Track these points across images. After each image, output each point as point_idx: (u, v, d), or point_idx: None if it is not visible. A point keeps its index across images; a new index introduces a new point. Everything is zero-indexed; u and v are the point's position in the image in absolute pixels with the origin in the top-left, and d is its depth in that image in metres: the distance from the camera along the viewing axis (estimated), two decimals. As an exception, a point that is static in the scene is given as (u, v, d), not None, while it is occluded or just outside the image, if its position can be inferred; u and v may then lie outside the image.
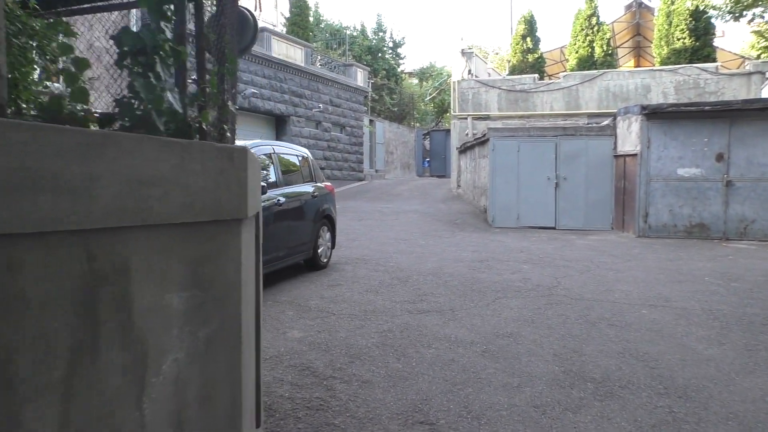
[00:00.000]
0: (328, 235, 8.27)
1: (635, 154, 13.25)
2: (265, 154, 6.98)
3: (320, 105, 22.55)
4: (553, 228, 14.49)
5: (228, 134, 2.86)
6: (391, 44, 35.65)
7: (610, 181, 14.44)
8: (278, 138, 21.32)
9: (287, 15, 26.44)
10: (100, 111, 2.60)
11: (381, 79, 32.58)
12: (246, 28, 3.68)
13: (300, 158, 7.99)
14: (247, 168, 2.30)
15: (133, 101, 2.07)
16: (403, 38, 36.02)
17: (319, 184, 8.24)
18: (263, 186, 6.11)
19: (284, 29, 27.48)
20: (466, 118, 22.63)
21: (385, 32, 35.09)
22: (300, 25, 25.01)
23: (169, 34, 2.25)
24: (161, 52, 2.16)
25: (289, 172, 7.62)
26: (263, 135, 20.59)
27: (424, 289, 7.11)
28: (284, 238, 6.96)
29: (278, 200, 6.81)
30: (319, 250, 7.95)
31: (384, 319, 5.74)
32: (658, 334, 5.42)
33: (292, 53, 21.17)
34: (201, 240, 2.08)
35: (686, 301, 6.71)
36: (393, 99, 33.23)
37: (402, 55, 36.59)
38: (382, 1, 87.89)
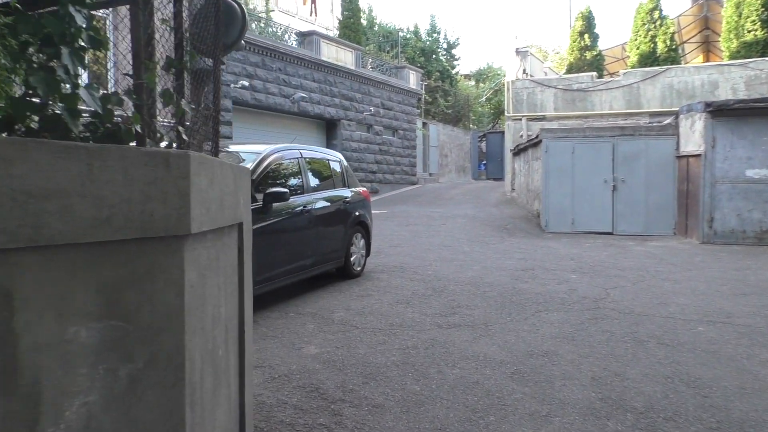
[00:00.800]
0: (362, 243, 7.95)
1: (699, 155, 12.40)
2: (291, 159, 6.73)
3: (371, 108, 22.32)
4: (610, 233, 13.75)
5: (185, 137, 2.56)
6: (445, 45, 35.16)
7: (672, 184, 13.59)
8: (328, 142, 21.21)
9: (339, 18, 26.35)
10: None
11: (435, 81, 32.12)
12: (232, 22, 3.39)
13: (331, 163, 7.71)
14: (189, 176, 1.99)
15: (32, 100, 1.78)
16: (458, 39, 35.48)
17: (352, 190, 7.94)
18: (284, 192, 5.85)
19: (336, 33, 27.44)
20: (520, 119, 21.96)
21: (438, 33, 34.63)
22: (352, 28, 24.86)
23: (82, 21, 1.95)
24: (75, 42, 1.86)
25: (318, 178, 7.35)
26: (313, 139, 20.51)
27: (460, 300, 6.69)
28: (311, 246, 6.68)
29: (303, 207, 6.53)
30: (351, 258, 7.64)
31: (410, 334, 5.36)
32: (715, 356, 4.84)
33: (342, 56, 21.03)
34: (121, 261, 1.78)
35: (751, 318, 6.06)
36: (447, 101, 32.72)
37: (456, 57, 36.04)
38: (437, 2, 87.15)
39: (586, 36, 25.26)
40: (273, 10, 27.78)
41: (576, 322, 5.86)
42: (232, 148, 6.59)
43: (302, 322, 5.70)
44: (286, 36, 19.60)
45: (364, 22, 32.40)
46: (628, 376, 4.41)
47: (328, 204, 7.17)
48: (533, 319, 5.97)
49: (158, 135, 2.32)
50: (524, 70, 23.25)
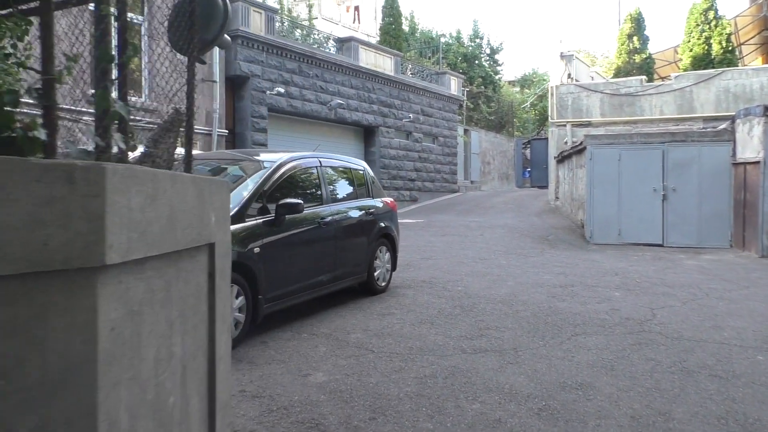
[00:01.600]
0: (387, 256, 7.53)
1: (758, 162, 11.56)
2: (309, 168, 6.37)
3: (410, 115, 21.92)
4: (660, 245, 12.98)
5: (120, 145, 2.19)
6: (488, 51, 34.51)
7: (728, 193, 12.75)
8: (366, 150, 20.90)
9: (380, 24, 26.11)
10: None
11: (477, 86, 31.52)
12: (212, 15, 3.03)
13: (354, 172, 7.32)
14: (104, 193, 1.60)
15: None
16: (501, 44, 34.66)
17: (377, 200, 7.53)
18: (297, 203, 5.48)
19: (377, 39, 27.18)
20: (564, 126, 21.22)
21: (481, 39, 34.02)
22: (392, 34, 24.56)
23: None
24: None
25: (339, 187, 6.97)
26: (350, 147, 20.22)
27: (489, 320, 6.19)
28: (330, 260, 6.29)
29: (321, 218, 6.15)
30: (375, 273, 7.23)
31: (430, 360, 4.91)
32: (777, 394, 4.24)
33: (381, 62, 20.71)
34: (-7, 304, 1.40)
35: (818, 346, 5.39)
36: (490, 107, 32.07)
37: (500, 62, 35.31)
38: (479, 7, 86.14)
39: (635, 38, 24.33)
40: (316, 18, 27.76)
41: (617, 348, 5.31)
42: (250, 155, 6.28)
43: (314, 344, 5.30)
44: (326, 42, 19.39)
45: (406, 28, 32.07)
46: (675, 415, 3.87)
47: (349, 215, 6.78)
48: (568, 343, 5.44)
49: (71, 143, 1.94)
50: (569, 75, 22.51)
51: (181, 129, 3.01)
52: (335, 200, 6.68)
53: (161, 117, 3.10)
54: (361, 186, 7.36)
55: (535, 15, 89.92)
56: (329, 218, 6.26)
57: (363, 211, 7.08)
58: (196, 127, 11.65)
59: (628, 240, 13.30)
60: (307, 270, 5.92)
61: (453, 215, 18.56)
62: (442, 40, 32.02)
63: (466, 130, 27.95)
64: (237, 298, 5.00)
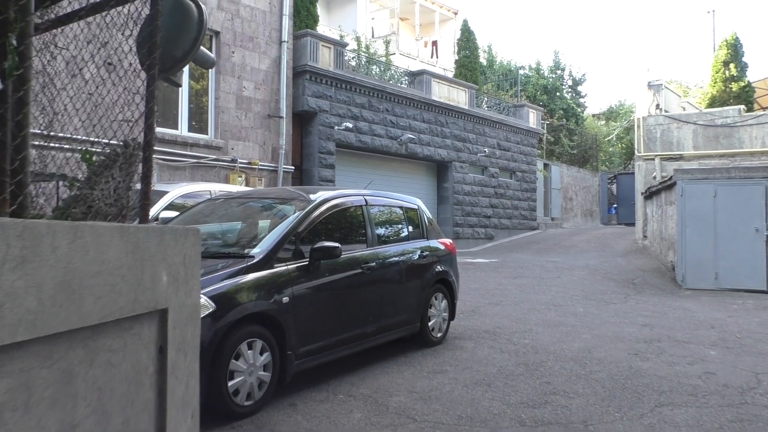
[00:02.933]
0: (443, 304, 6.84)
1: None
2: (352, 207, 5.83)
3: (485, 149, 21.20)
4: (764, 292, 11.59)
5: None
6: (570, 82, 33.38)
7: None
8: (439, 185, 20.31)
9: (456, 57, 25.68)
10: None
11: (558, 119, 30.41)
12: (183, 28, 2.54)
13: (406, 211, 6.74)
14: None
15: None
16: (584, 75, 33.42)
17: (432, 242, 6.90)
18: (334, 247, 4.94)
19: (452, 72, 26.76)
20: (653, 159, 19.88)
21: (563, 70, 32.93)
22: (468, 67, 24.05)
23: None
24: None
25: (387, 228, 6.41)
26: (422, 182, 19.70)
27: (556, 383, 5.37)
28: (374, 310, 5.69)
29: (365, 263, 5.58)
30: (429, 323, 6.55)
31: (479, 435, 4.18)
32: None
33: (455, 95, 20.20)
34: None
35: None
36: (572, 141, 30.80)
37: (582, 94, 34.04)
38: (560, 37, 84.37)
39: (731, 66, 22.72)
40: (394, 54, 27.71)
41: (712, 425, 4.39)
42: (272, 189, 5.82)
43: (349, 408, 4.67)
44: (398, 76, 19.11)
45: (483, 61, 31.54)
46: None
47: (399, 259, 6.18)
48: (651, 417, 4.56)
49: None
50: (657, 105, 21.20)
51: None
52: (383, 242, 6.11)
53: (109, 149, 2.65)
54: (414, 226, 6.75)
55: (620, 44, 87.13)
56: (374, 263, 5.68)
57: (415, 254, 6.46)
58: (262, 163, 11.45)
59: (726, 285, 11.97)
60: (347, 321, 5.34)
61: (530, 254, 17.57)
62: (521, 72, 31.23)
63: (546, 165, 26.86)
64: (262, 354, 4.47)
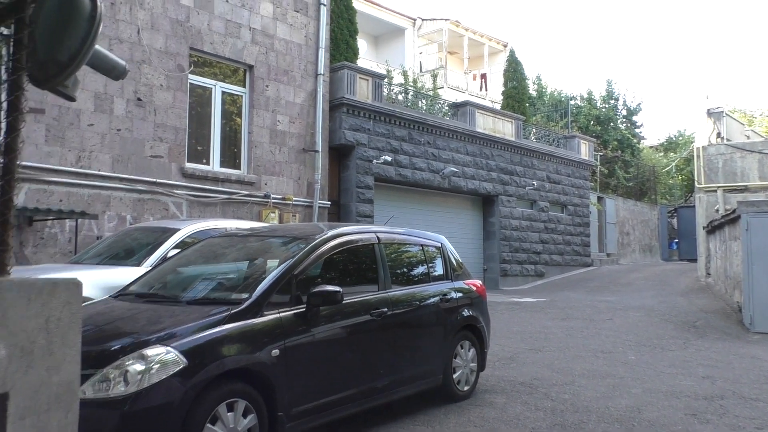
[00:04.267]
0: (471, 353, 6.14)
1: None
2: (360, 245, 5.27)
3: (534, 182, 20.40)
4: None
5: None
6: (624, 112, 32.20)
7: None
8: (485, 220, 19.56)
9: (500, 89, 25.10)
10: None
11: (612, 150, 29.27)
12: (68, 23, 2.04)
13: (427, 249, 6.12)
14: None
15: None
16: (639, 105, 32.10)
17: (458, 284, 6.25)
18: (335, 292, 4.38)
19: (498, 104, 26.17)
20: (715, 191, 18.69)
21: (616, 99, 31.82)
22: (516, 97, 23.42)
23: None
24: None
25: (404, 269, 5.82)
26: (467, 217, 19.02)
27: (595, 452, 4.60)
28: (387, 361, 5.08)
29: (374, 309, 4.98)
30: (454, 375, 5.86)
31: None
32: None
33: (501, 127, 19.55)
34: None
35: None
36: (628, 173, 29.55)
37: (638, 124, 32.79)
38: (613, 66, 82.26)
39: (798, 91, 21.37)
40: (442, 87, 27.41)
41: None
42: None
43: (346, 480, 4.04)
44: (439, 108, 18.66)
45: (533, 92, 30.85)
46: None
47: (417, 303, 5.56)
48: (710, 501, 3.75)
49: None
50: (718, 134, 20.07)
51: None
52: (399, 284, 5.50)
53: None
54: (436, 266, 6.13)
55: (678, 71, 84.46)
56: (386, 308, 5.07)
57: (437, 298, 5.82)
58: (297, 199, 10.96)
59: (802, 330, 10.79)
60: (353, 375, 4.74)
61: (582, 293, 16.56)
62: (572, 102, 30.33)
63: (600, 198, 25.76)
64: (245, 416, 3.91)
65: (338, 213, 14.94)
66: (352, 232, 5.29)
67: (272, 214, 12.63)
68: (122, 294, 4.81)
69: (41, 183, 9.58)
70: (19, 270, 6.44)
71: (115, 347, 3.67)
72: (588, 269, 22.53)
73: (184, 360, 3.63)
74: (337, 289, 4.43)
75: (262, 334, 4.09)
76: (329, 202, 14.18)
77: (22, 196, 9.38)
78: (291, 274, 4.46)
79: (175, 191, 11.22)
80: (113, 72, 2.44)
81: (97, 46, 2.10)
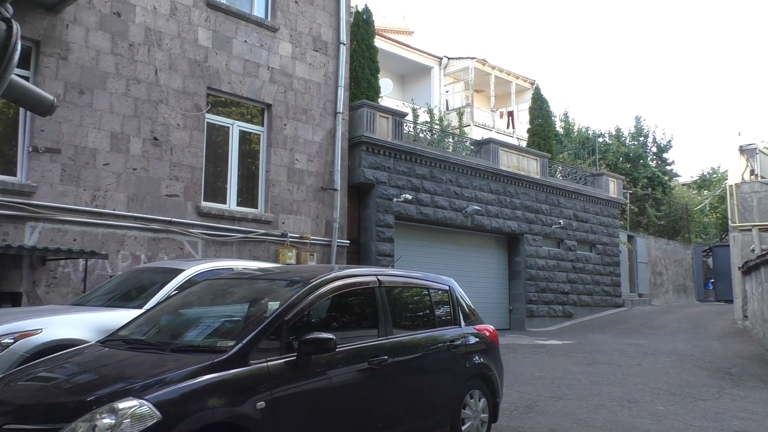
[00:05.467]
0: (482, 403, 5.80)
1: None
2: (359, 288, 5.03)
3: (560, 221, 19.99)
4: None
5: None
6: (654, 149, 31.70)
7: None
8: (510, 260, 19.16)
9: (527, 126, 24.92)
10: None
11: (642, 188, 28.70)
12: None
13: (432, 292, 5.85)
14: None
15: None
16: (669, 141, 31.60)
17: (468, 329, 5.95)
18: (328, 339, 4.13)
19: (523, 142, 25.95)
20: (750, 230, 18.05)
21: (646, 136, 31.37)
22: (541, 135, 23.15)
23: None
24: None
25: (407, 313, 5.55)
26: (491, 256, 18.66)
27: None
28: (386, 413, 4.79)
29: (373, 357, 4.71)
30: (463, 427, 5.51)
31: None
32: None
33: (525, 165, 19.29)
34: None
35: None
36: (660, 211, 28.90)
37: (669, 161, 32.24)
38: (642, 101, 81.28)
39: (836, 126, 20.75)
40: (468, 125, 27.36)
41: None
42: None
43: None
44: (462, 146, 18.50)
45: (560, 129, 30.61)
46: None
47: (422, 350, 5.27)
48: None
49: None
50: (752, 171, 19.47)
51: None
52: (402, 329, 5.23)
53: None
54: (443, 311, 5.85)
55: (708, 107, 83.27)
56: (386, 355, 4.79)
57: (444, 344, 5.53)
58: (315, 237, 10.90)
59: None
60: (348, 429, 4.45)
61: (611, 335, 15.98)
62: (600, 139, 29.95)
63: (630, 237, 25.17)
64: (224, 478, 3.65)
65: (358, 252, 14.75)
66: (351, 274, 5.06)
67: (289, 254, 12.48)
68: (110, 339, 4.63)
69: (56, 222, 9.59)
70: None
71: (88, 399, 3.46)
72: (618, 310, 21.87)
73: (158, 414, 3.40)
74: (330, 336, 4.18)
75: (247, 384, 3.85)
76: (348, 241, 13.99)
77: (35, 236, 9.39)
78: (282, 320, 4.24)
79: (191, 230, 11.15)
80: (40, 107, 2.27)
81: (20, 80, 1.93)
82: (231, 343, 4.01)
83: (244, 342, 3.99)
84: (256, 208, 12.53)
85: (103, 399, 3.44)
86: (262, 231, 12.27)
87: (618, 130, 31.40)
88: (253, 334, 4.06)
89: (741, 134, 20.09)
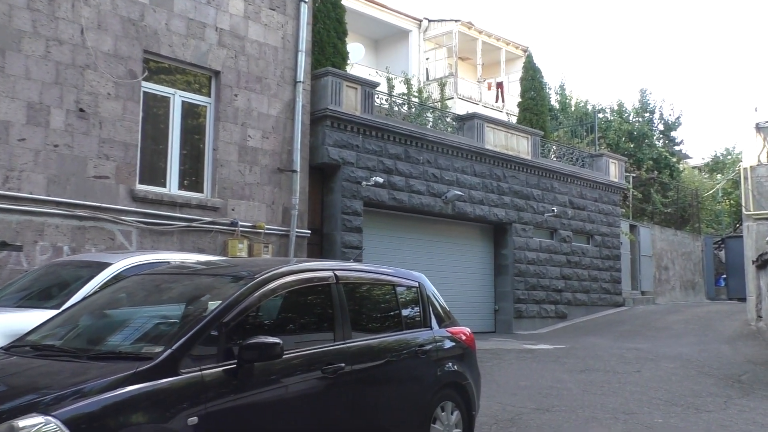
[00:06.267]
0: (455, 417, 5.81)
1: None
2: (312, 285, 5.00)
3: (554, 208, 20.14)
4: None
5: None
6: (661, 127, 32.10)
7: None
8: (497, 252, 19.28)
9: (518, 100, 25.01)
10: None
11: (647, 171, 29.06)
12: None
13: (398, 290, 5.84)
14: None
15: None
16: (678, 118, 32.00)
17: (440, 332, 5.95)
18: (273, 344, 4.09)
19: (512, 117, 26.07)
20: (766, 219, 18.38)
21: (652, 112, 31.75)
22: (533, 110, 23.22)
23: None
24: None
25: (369, 313, 5.54)
26: (474, 248, 18.77)
27: None
28: (342, 427, 4.77)
29: (327, 364, 4.67)
30: (432, 444, 5.54)
31: None
32: None
33: (515, 144, 19.36)
34: None
35: None
36: (666, 197, 29.32)
37: (677, 140, 32.70)
38: (648, 73, 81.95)
39: None
40: (451, 98, 27.34)
41: None
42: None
43: None
44: (439, 121, 18.50)
45: (555, 103, 30.80)
46: None
47: (385, 357, 5.28)
48: None
49: None
50: (769, 152, 19.80)
51: None
52: (363, 332, 5.21)
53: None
54: (411, 311, 5.85)
55: (722, 79, 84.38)
56: (342, 362, 4.77)
57: (412, 350, 5.52)
58: (270, 226, 10.98)
59: None
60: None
61: (608, 339, 16.21)
62: (600, 115, 30.22)
63: (632, 227, 25.51)
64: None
65: (321, 244, 14.71)
66: (304, 269, 5.03)
67: (240, 245, 12.39)
68: (15, 346, 4.53)
69: (-38, 208, 9.39)
70: None
71: (-17, 417, 3.38)
72: (618, 310, 22.22)
73: (68, 432, 3.33)
74: (276, 340, 4.14)
75: (177, 396, 3.80)
76: (309, 231, 13.94)
77: (-63, 223, 9.18)
78: (220, 322, 4.19)
79: (124, 218, 10.99)
80: None
81: None
82: (159, 349, 3.95)
83: (174, 348, 3.93)
84: (202, 192, 12.40)
85: (1, 416, 3.36)
86: (209, 219, 12.15)
87: (620, 104, 31.69)
88: (185, 338, 4.01)
89: (758, 110, 20.38)
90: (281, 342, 4.18)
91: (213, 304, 4.36)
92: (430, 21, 29.84)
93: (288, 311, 4.91)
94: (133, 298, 5.05)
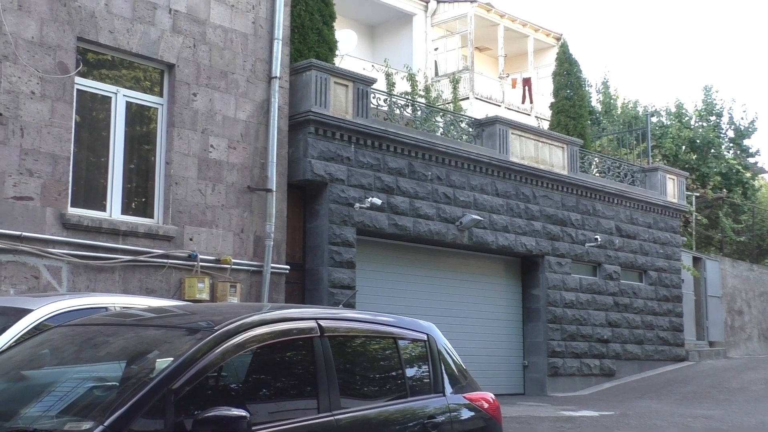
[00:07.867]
0: None
1: None
2: (291, 339, 4.93)
3: (597, 237, 20.22)
4: None
5: None
6: (731, 133, 32.35)
7: None
8: (526, 291, 19.31)
9: (551, 100, 25.24)
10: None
11: (714, 189, 29.19)
12: None
13: (403, 344, 5.77)
14: None
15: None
16: (752, 122, 32.18)
17: (455, 399, 5.86)
18: (238, 417, 4.01)
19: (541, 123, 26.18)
20: None
21: (719, 115, 32.00)
22: (569, 113, 23.36)
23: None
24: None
25: (364, 376, 5.47)
26: (497, 287, 18.85)
27: None
28: None
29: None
30: None
31: None
32: None
33: (546, 155, 19.45)
34: None
35: None
36: (739, 222, 29.45)
37: (751, 150, 32.88)
38: (714, 67, 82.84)
39: None
40: (467, 98, 27.51)
41: None
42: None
43: None
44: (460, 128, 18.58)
45: (597, 104, 31.01)
46: None
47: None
48: None
49: None
50: None
51: None
52: (355, 399, 5.14)
53: None
54: (419, 371, 5.80)
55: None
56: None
57: (419, 423, 5.43)
58: (238, 261, 11.09)
59: None
60: None
61: (669, 403, 16.22)
62: (654, 119, 30.40)
63: (696, 259, 25.64)
64: None
65: (302, 282, 14.74)
66: (278, 318, 4.95)
67: (200, 285, 12.35)
68: None
69: None
70: None
71: None
72: (680, 365, 22.44)
73: None
74: (242, 413, 4.05)
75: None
76: (288, 267, 13.93)
77: None
78: (169, 388, 4.09)
79: (51, 250, 10.95)
80: None
81: None
82: (87, 426, 3.84)
83: (107, 423, 3.82)
84: (151, 217, 12.40)
85: None
86: (160, 251, 12.12)
87: (679, 106, 31.92)
88: (122, 409, 3.90)
89: None
90: (248, 414, 4.10)
91: (162, 364, 4.28)
92: (439, 2, 30.13)
93: (258, 373, 4.83)
94: (60, 356, 4.98)
